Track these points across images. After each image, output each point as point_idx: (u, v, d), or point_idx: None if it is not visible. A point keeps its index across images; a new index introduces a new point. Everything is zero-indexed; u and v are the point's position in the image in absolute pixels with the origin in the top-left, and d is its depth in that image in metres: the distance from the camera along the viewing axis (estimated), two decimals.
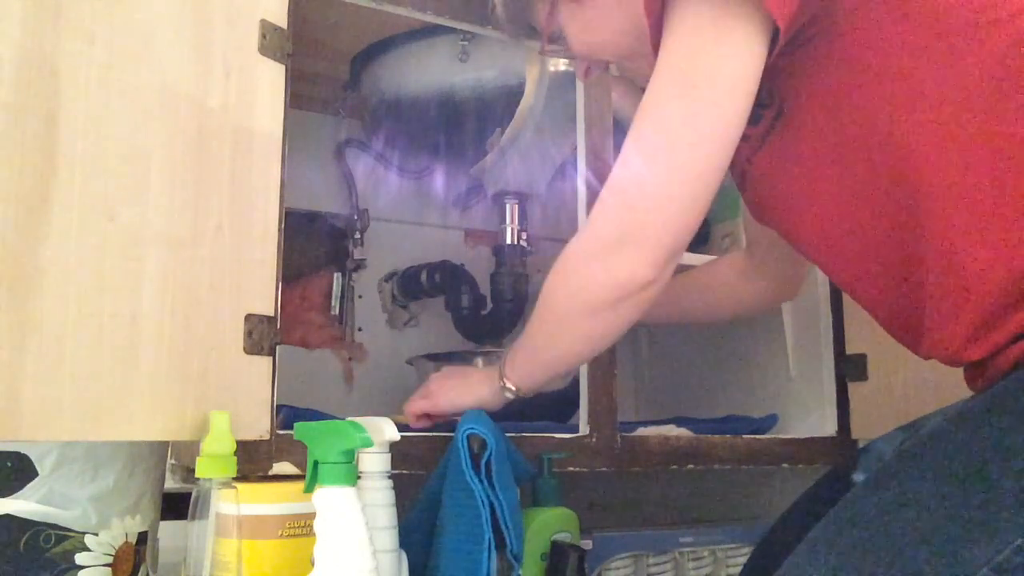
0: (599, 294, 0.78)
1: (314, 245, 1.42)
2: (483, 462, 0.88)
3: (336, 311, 1.44)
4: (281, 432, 0.86)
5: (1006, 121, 0.70)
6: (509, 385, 0.93)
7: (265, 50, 0.88)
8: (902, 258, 0.76)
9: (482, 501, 0.86)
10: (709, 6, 0.71)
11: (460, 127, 1.29)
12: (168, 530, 0.94)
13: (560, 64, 1.22)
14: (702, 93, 0.72)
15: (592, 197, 1.09)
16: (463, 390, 0.98)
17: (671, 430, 1.16)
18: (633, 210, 0.75)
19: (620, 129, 1.21)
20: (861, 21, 0.74)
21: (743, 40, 0.71)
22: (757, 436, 1.20)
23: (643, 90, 0.77)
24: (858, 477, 0.93)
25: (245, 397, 0.83)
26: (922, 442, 0.70)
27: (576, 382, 1.14)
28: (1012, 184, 0.70)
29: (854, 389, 1.23)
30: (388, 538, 0.81)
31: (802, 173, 0.80)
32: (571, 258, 0.81)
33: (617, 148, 1.12)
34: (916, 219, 0.74)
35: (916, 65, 0.73)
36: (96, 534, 0.83)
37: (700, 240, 1.43)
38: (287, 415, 0.95)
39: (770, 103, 0.79)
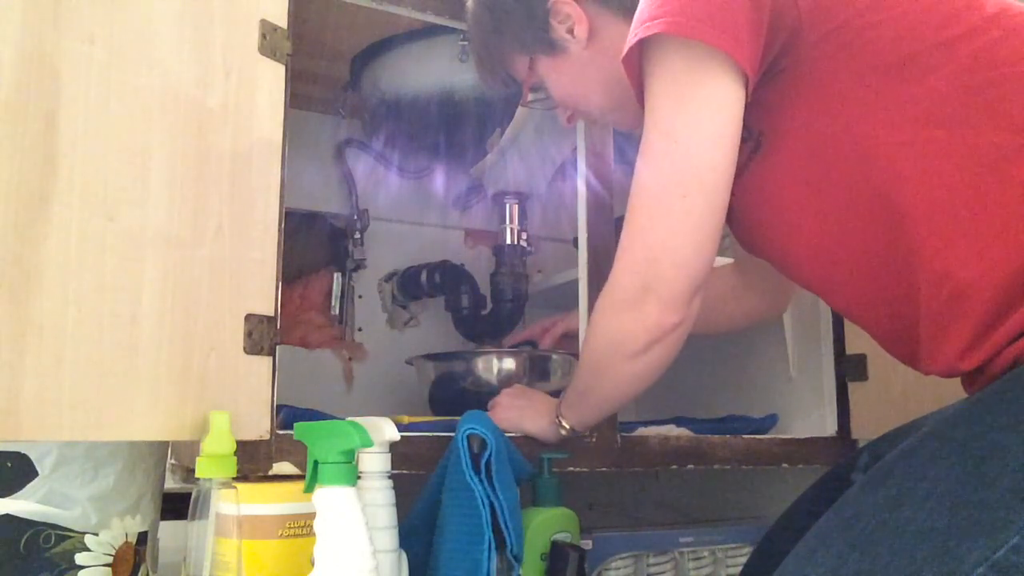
0: (632, 341, 0.82)
1: (314, 245, 1.42)
2: (483, 462, 0.88)
3: (336, 311, 1.44)
4: (281, 432, 0.86)
5: (978, 132, 0.72)
6: (564, 423, 0.98)
7: (265, 50, 0.88)
8: (894, 279, 0.77)
9: (482, 501, 0.87)
10: (682, 61, 0.75)
11: (460, 127, 1.29)
12: (168, 530, 0.94)
13: None
14: (686, 146, 0.76)
15: (592, 197, 1.09)
16: (527, 415, 1.03)
17: (671, 430, 1.16)
18: (646, 263, 0.79)
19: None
20: (826, 50, 0.76)
21: (718, 87, 0.75)
22: (757, 436, 1.21)
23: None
24: (857, 477, 0.93)
25: (245, 397, 0.83)
26: (920, 441, 0.70)
27: None
28: (992, 192, 0.71)
29: (854, 389, 1.23)
30: (388, 538, 0.81)
31: (785, 203, 0.82)
32: (603, 310, 0.85)
33: (617, 148, 1.13)
34: (903, 238, 0.75)
35: (884, 88, 0.75)
36: (96, 534, 0.83)
37: None
38: (287, 415, 0.95)
39: (747, 137, 0.81)
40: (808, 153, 0.78)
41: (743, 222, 0.88)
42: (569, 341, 1.31)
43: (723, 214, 0.78)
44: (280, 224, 0.87)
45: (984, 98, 0.72)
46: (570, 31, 0.91)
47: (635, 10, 0.78)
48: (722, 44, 0.73)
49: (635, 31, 0.77)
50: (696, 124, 0.76)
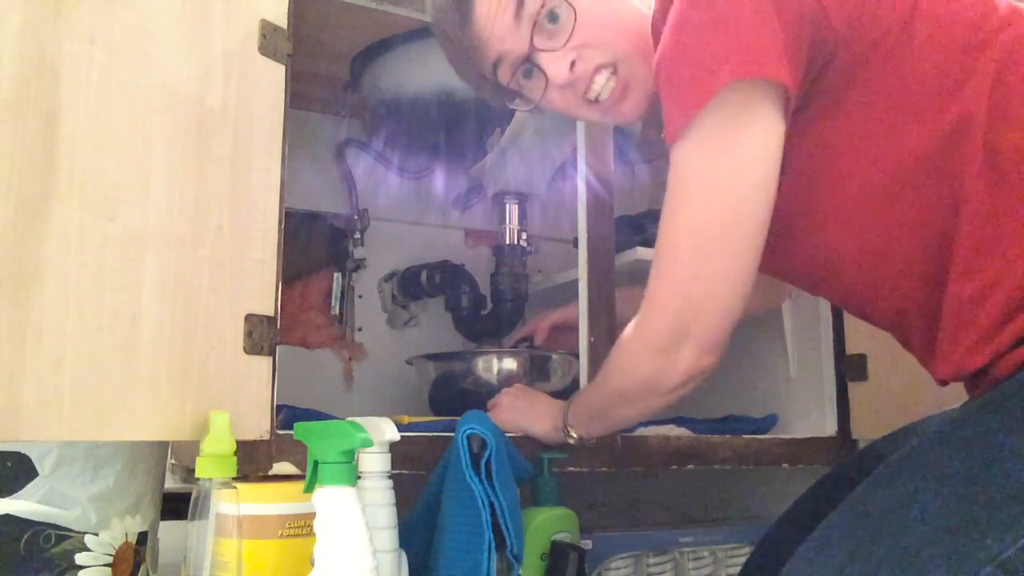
0: (667, 382, 0.82)
1: (314, 245, 1.42)
2: (483, 462, 0.88)
3: (336, 311, 1.44)
4: (281, 432, 0.86)
5: (1003, 134, 0.71)
6: (573, 433, 0.98)
7: (265, 50, 0.88)
8: (929, 286, 0.77)
9: (482, 501, 0.86)
10: (728, 107, 0.71)
11: (460, 127, 1.29)
12: (168, 530, 0.94)
13: None
14: (730, 197, 0.73)
15: (592, 197, 1.09)
16: (529, 416, 1.02)
17: (671, 430, 1.16)
18: (689, 312, 0.77)
19: (619, 129, 1.21)
20: (858, 72, 0.75)
21: (764, 127, 0.72)
22: (757, 436, 1.21)
23: None
24: (857, 477, 0.92)
25: (245, 397, 0.83)
26: (927, 442, 0.70)
27: (576, 383, 1.14)
28: (1014, 192, 0.71)
29: (854, 389, 1.23)
30: (388, 538, 0.81)
31: (815, 226, 0.81)
32: (635, 353, 0.83)
33: (617, 148, 1.13)
34: (945, 245, 0.74)
35: (917, 101, 0.74)
36: (96, 534, 0.83)
37: None
38: (287, 415, 0.95)
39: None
40: (863, 170, 0.77)
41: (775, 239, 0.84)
42: (563, 334, 1.31)
43: (759, 254, 0.76)
44: (280, 224, 0.87)
45: (1010, 100, 0.72)
46: None
47: None
48: (771, 74, 0.70)
49: (680, 93, 0.73)
50: (739, 174, 0.73)
